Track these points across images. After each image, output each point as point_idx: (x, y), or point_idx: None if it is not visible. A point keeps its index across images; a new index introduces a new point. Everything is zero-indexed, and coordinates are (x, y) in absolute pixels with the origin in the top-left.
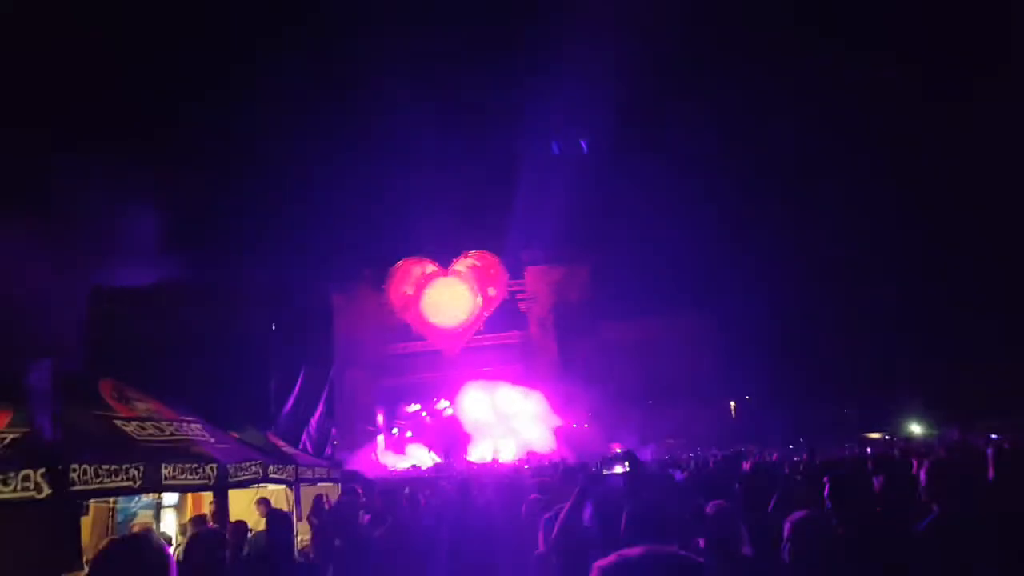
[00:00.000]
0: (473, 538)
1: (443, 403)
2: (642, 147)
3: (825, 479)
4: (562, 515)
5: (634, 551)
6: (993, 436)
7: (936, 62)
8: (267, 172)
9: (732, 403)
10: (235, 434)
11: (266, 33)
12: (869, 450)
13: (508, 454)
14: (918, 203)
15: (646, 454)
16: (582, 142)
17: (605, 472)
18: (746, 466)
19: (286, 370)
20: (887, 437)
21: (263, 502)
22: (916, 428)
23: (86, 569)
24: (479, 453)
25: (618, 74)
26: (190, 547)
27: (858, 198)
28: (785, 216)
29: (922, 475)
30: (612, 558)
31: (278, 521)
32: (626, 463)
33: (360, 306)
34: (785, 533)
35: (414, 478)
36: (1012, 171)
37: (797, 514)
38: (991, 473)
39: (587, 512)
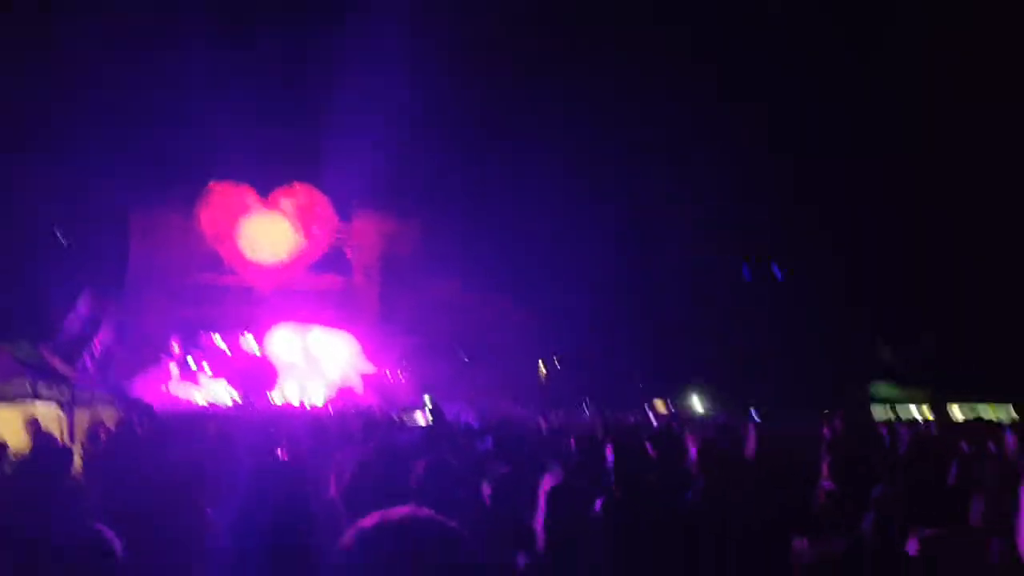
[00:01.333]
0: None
1: (248, 338)
2: (490, 105)
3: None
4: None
5: (396, 511)
6: (755, 416)
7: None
8: (73, 65)
9: (542, 368)
10: (5, 346)
11: None
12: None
13: (317, 398)
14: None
15: (457, 410)
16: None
17: (404, 419)
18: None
19: (71, 285)
20: (672, 410)
21: (33, 423)
22: (698, 406)
23: None
24: (286, 394)
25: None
26: None
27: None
28: (609, 186)
29: (693, 452)
30: (373, 518)
31: (46, 444)
32: (428, 412)
33: (164, 228)
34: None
35: (217, 414)
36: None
37: (549, 482)
38: (750, 451)
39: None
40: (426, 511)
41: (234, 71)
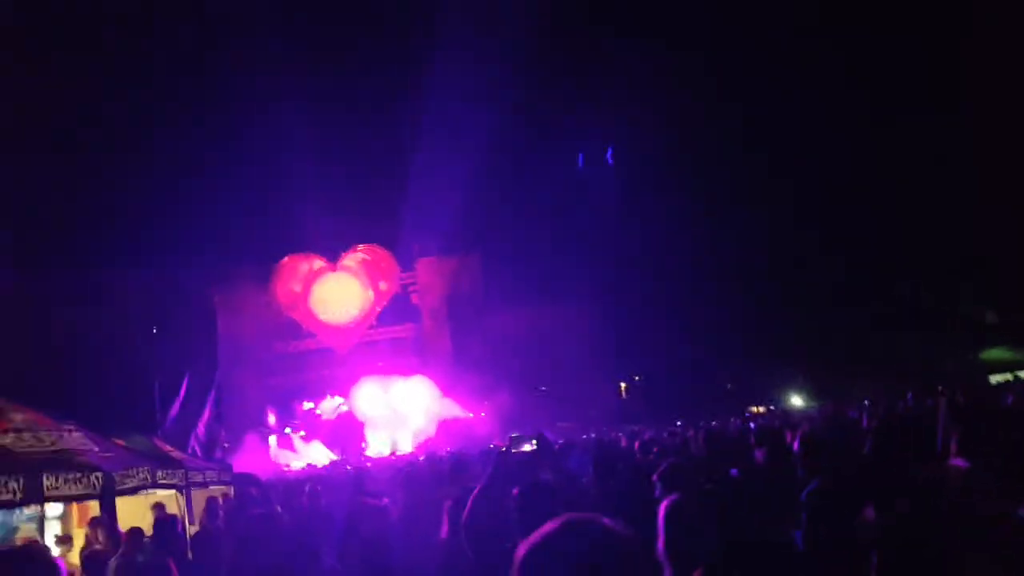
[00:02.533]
0: (367, 526)
1: (336, 399)
2: (529, 134)
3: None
4: (473, 495)
5: (551, 524)
6: (866, 402)
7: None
8: (144, 168)
9: (623, 384)
10: (120, 441)
11: (143, 22)
12: (752, 424)
13: (405, 446)
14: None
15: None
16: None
17: (515, 451)
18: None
19: (170, 374)
20: (771, 409)
21: (157, 507)
22: (797, 400)
23: None
24: (376, 447)
25: (505, 58)
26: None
27: (746, 186)
28: (668, 203)
29: (795, 446)
30: (533, 537)
31: (164, 525)
32: (533, 441)
33: (244, 305)
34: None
35: (312, 475)
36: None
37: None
38: (867, 445)
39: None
40: (585, 516)
41: (293, 156)
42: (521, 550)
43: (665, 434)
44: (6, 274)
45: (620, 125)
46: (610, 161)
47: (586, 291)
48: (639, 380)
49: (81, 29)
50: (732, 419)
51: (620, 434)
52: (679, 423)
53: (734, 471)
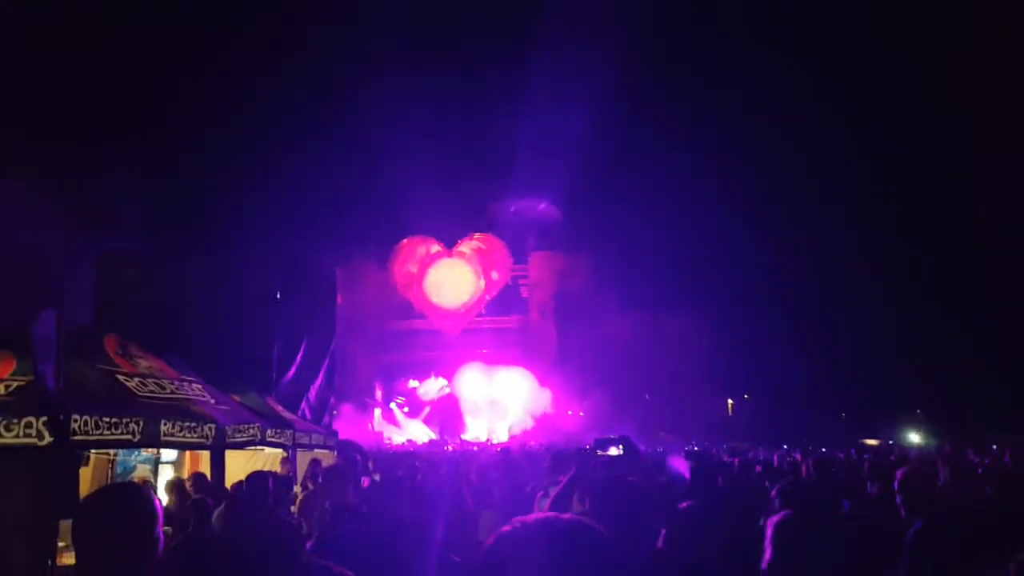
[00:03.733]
0: (461, 515)
1: (440, 381)
2: (652, 141)
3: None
4: (552, 495)
5: (531, 517)
6: (994, 447)
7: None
8: (281, 144)
9: (730, 400)
10: (236, 396)
11: (275, 25)
12: (866, 455)
13: (502, 434)
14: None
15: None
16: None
17: (599, 452)
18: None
19: (289, 338)
20: (889, 442)
21: (284, 461)
22: (915, 437)
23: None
24: (474, 433)
25: (625, 66)
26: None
27: (869, 211)
28: (797, 218)
29: (896, 486)
30: (506, 528)
31: (279, 481)
32: (620, 446)
33: (364, 281)
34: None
35: (416, 451)
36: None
37: (777, 516)
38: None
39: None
40: (590, 522)
41: (418, 143)
42: (490, 538)
43: (774, 457)
44: (149, 239)
45: (740, 134)
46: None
47: (702, 302)
48: (748, 398)
49: (220, 28)
50: (843, 450)
51: (723, 449)
52: (786, 447)
53: (845, 503)
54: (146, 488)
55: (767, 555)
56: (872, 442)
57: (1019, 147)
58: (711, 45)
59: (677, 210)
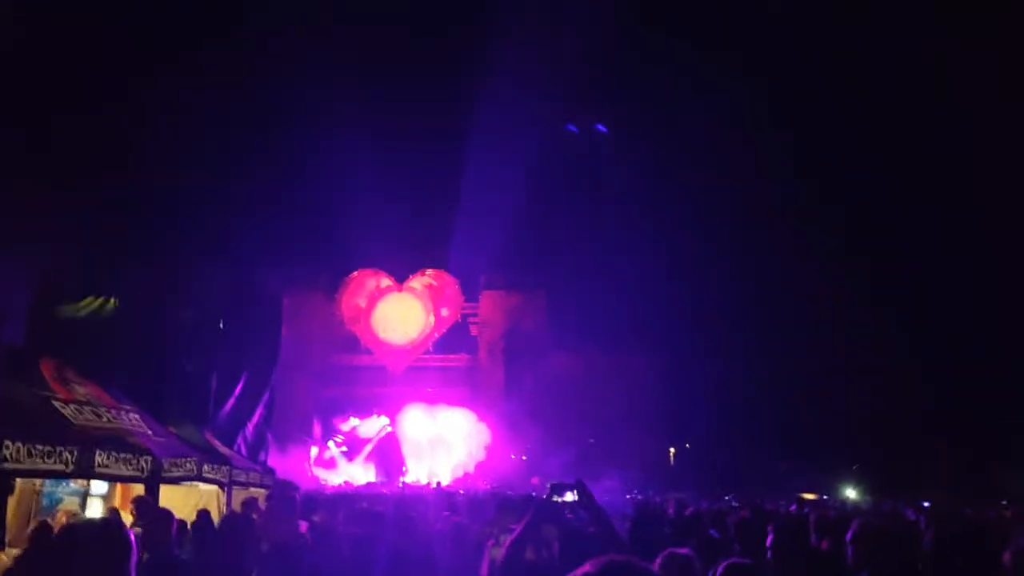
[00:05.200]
0: (413, 559)
1: (382, 420)
2: (599, 182)
3: (768, 529)
4: (510, 541)
5: (593, 564)
6: (925, 504)
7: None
8: (229, 169)
9: (672, 449)
10: (172, 428)
11: (239, 46)
12: (807, 509)
13: (444, 477)
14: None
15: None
16: (600, 127)
17: (556, 499)
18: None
19: (229, 369)
20: (824, 497)
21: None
22: (851, 493)
23: (4, 548)
24: (415, 474)
25: (576, 97)
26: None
27: (820, 254)
28: (745, 266)
29: (848, 537)
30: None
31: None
32: (575, 492)
33: (310, 312)
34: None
35: (355, 493)
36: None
37: (731, 560)
38: (926, 543)
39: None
40: (641, 561)
41: (370, 173)
42: None
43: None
44: (88, 261)
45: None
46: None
47: (646, 347)
48: (689, 447)
49: (174, 44)
50: (782, 503)
51: (668, 500)
52: (727, 497)
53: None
54: (119, 521)
55: None
56: (810, 496)
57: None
58: (665, 67)
59: (629, 252)
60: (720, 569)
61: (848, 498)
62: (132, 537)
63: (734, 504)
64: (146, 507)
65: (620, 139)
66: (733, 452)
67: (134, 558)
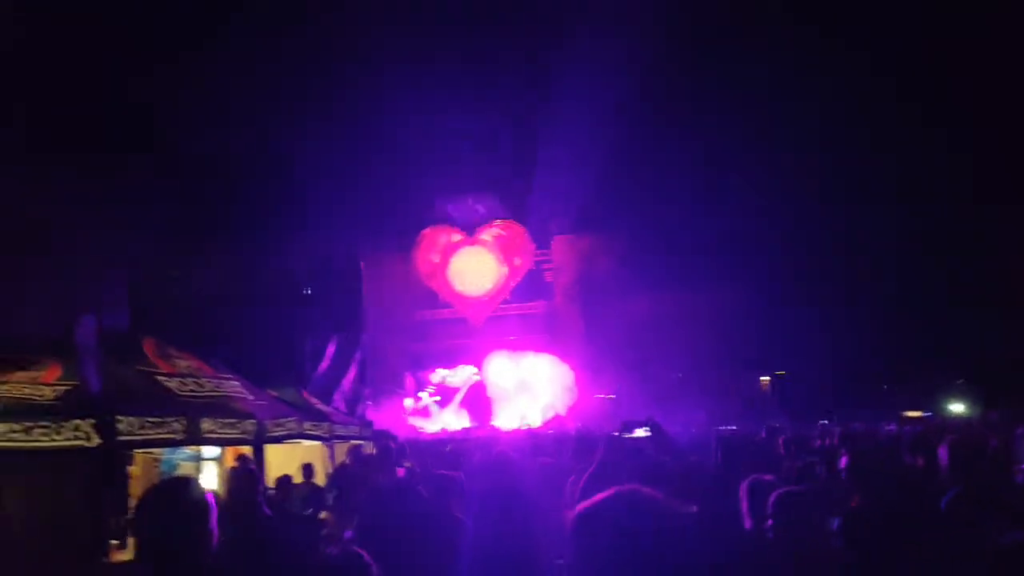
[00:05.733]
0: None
1: (469, 369)
2: (674, 111)
3: (842, 452)
4: (585, 476)
5: (604, 493)
6: None
7: None
8: (296, 143)
9: (766, 378)
10: (272, 391)
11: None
12: (906, 428)
13: (534, 421)
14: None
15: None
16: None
17: (627, 436)
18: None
19: (320, 332)
20: (927, 415)
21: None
22: (957, 407)
23: (131, 515)
24: (505, 419)
25: (648, 37)
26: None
27: (909, 176)
28: (827, 189)
29: (942, 452)
30: (586, 504)
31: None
32: (646, 428)
33: (389, 272)
34: (769, 508)
35: (452, 438)
36: None
37: (781, 489)
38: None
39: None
40: (648, 490)
41: (436, 133)
42: (573, 514)
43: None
44: (180, 240)
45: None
46: None
47: (732, 277)
48: (784, 375)
49: (242, 23)
50: (882, 424)
51: (762, 429)
52: (823, 422)
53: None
54: (194, 481)
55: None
56: (914, 414)
57: None
58: (748, 21)
59: (704, 185)
60: (772, 498)
61: (953, 413)
62: (208, 496)
63: (833, 429)
64: (235, 469)
65: (701, 77)
66: (830, 377)
67: (213, 516)
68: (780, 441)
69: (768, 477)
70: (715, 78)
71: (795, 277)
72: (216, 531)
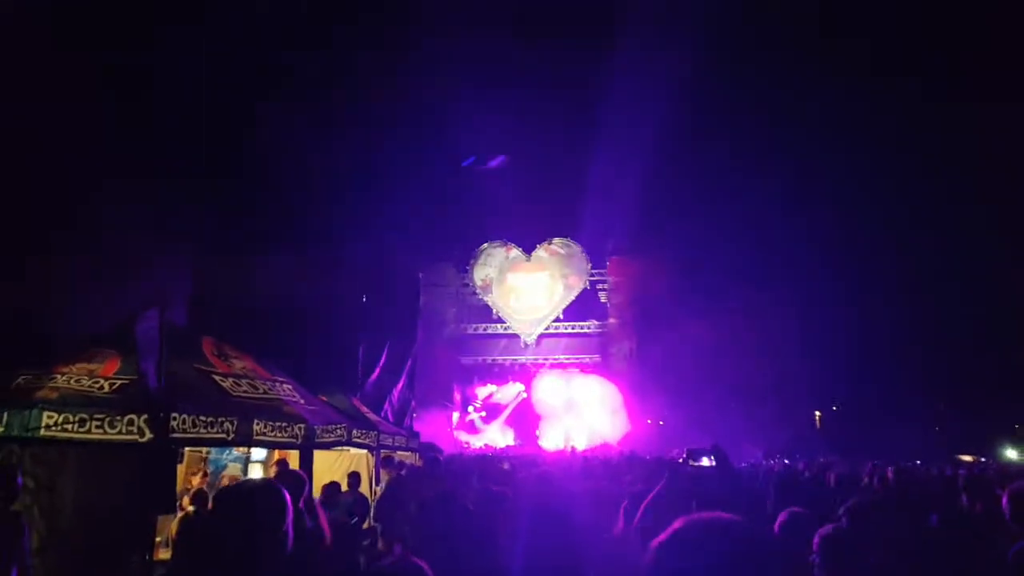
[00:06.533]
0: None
1: (517, 386)
2: (733, 141)
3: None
4: (651, 496)
5: (680, 521)
6: None
7: None
8: (367, 146)
9: (818, 413)
10: (323, 397)
11: (351, 29)
12: (962, 471)
13: (579, 443)
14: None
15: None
16: None
17: (692, 464)
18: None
19: (373, 340)
20: (981, 460)
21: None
22: (1012, 453)
23: (179, 512)
24: (551, 439)
25: (705, 64)
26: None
27: (962, 214)
28: (885, 223)
29: (1005, 501)
30: (665, 533)
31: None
32: (711, 457)
33: (444, 285)
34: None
35: (496, 455)
36: None
37: (825, 529)
38: None
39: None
40: (730, 516)
41: (497, 145)
42: (654, 543)
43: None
44: (240, 240)
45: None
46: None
47: (787, 308)
48: (836, 410)
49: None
50: (937, 465)
51: (809, 465)
52: (875, 463)
53: (934, 517)
54: (275, 486)
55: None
56: (967, 458)
57: None
58: (796, 41)
59: (758, 211)
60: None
61: (1010, 459)
62: (288, 499)
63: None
64: (281, 473)
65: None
66: (881, 415)
67: (290, 517)
68: (831, 477)
69: (799, 510)
70: (781, 105)
71: (856, 310)
72: (291, 534)
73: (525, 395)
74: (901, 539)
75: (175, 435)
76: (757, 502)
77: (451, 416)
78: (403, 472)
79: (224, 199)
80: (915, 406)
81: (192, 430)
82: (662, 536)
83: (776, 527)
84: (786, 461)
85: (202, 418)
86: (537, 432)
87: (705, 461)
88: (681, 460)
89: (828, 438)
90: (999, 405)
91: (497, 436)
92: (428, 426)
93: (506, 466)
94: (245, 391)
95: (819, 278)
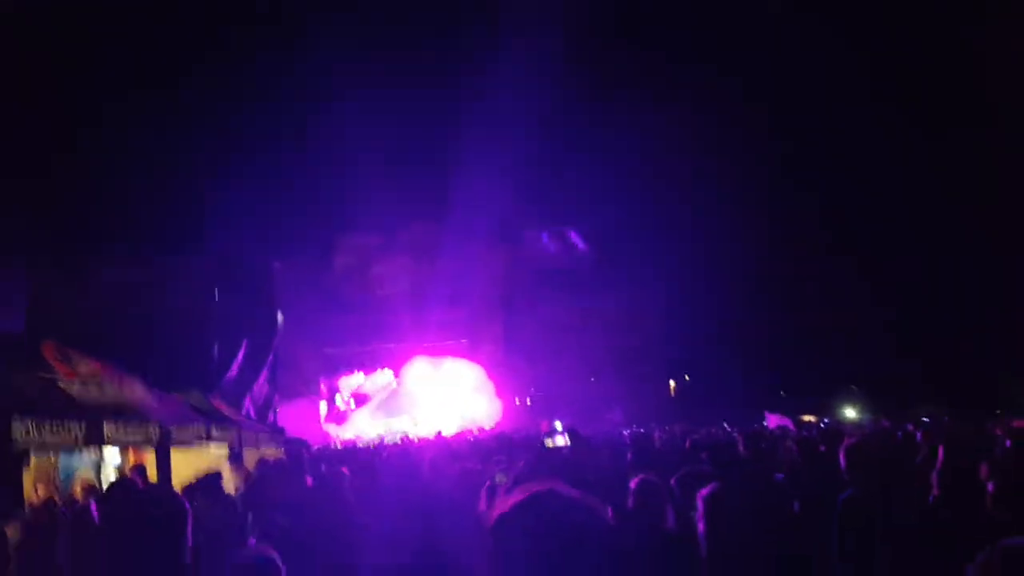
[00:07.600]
0: (415, 502)
1: (387, 373)
2: (598, 120)
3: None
4: (513, 474)
5: (518, 495)
6: (925, 419)
7: None
8: (211, 139)
9: (672, 382)
10: (179, 396)
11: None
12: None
13: (450, 428)
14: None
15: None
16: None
17: (548, 444)
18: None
19: (230, 337)
20: (824, 421)
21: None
22: (851, 413)
23: (25, 517)
24: (423, 426)
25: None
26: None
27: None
28: (730, 194)
29: (841, 456)
30: (501, 507)
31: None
32: (567, 435)
33: (305, 276)
34: (698, 509)
35: (366, 447)
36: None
37: (705, 489)
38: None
39: None
40: (566, 487)
41: (361, 136)
42: (490, 519)
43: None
44: (80, 240)
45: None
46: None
47: (642, 284)
48: (689, 380)
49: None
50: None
51: (662, 430)
52: (725, 425)
53: (779, 476)
54: (172, 490)
55: (700, 528)
56: (809, 418)
57: None
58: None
59: (617, 191)
60: (633, 483)
61: (848, 418)
62: (187, 505)
63: (733, 432)
64: (138, 472)
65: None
66: (730, 382)
67: (190, 523)
68: (687, 441)
69: (650, 476)
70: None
71: (701, 284)
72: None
73: (395, 385)
74: (757, 491)
75: (18, 442)
76: (619, 474)
77: (319, 408)
78: (266, 468)
79: (61, 203)
80: (759, 374)
81: (36, 436)
82: (501, 508)
83: (630, 495)
84: (641, 430)
85: (46, 424)
86: (409, 419)
87: (560, 440)
88: (540, 444)
89: (683, 406)
90: (837, 368)
91: (367, 426)
92: (295, 420)
93: (362, 456)
94: (93, 394)
95: (675, 255)
